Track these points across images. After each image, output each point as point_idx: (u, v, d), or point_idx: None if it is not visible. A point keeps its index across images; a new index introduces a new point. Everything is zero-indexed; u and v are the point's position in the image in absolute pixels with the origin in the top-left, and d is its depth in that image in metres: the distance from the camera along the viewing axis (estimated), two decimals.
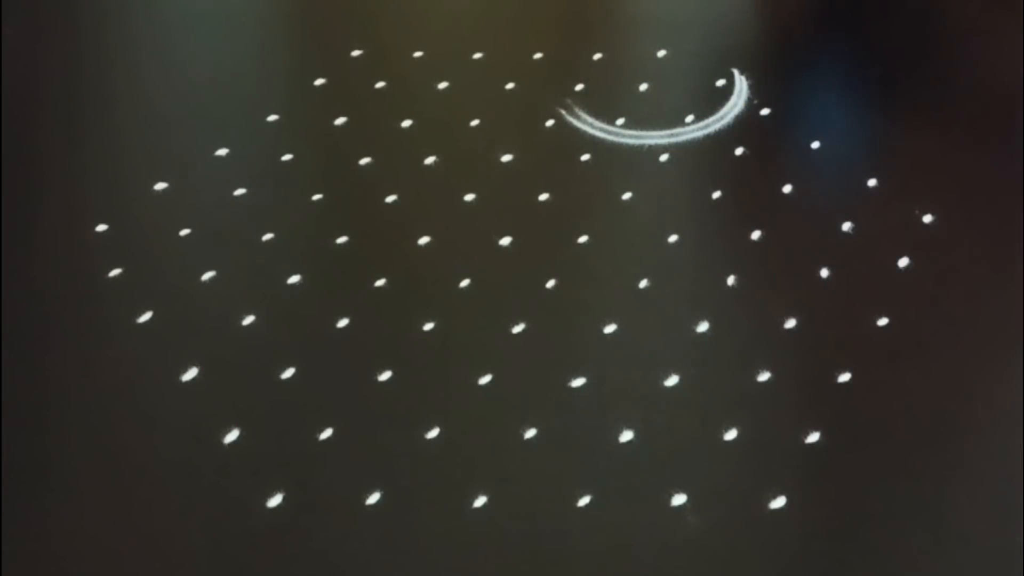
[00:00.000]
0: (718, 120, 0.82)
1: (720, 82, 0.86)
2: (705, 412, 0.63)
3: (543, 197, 0.76)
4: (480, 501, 0.58)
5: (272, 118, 0.83)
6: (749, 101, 0.84)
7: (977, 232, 0.74)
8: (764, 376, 0.65)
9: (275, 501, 0.58)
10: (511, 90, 0.84)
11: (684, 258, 0.73)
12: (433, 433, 0.61)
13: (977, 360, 0.66)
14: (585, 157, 0.80)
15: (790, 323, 0.68)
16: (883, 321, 0.68)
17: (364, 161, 0.79)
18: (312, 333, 0.67)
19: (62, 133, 0.82)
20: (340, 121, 0.83)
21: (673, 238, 0.73)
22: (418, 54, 0.89)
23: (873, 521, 0.58)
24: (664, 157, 0.80)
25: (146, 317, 0.68)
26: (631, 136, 0.81)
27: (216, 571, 0.56)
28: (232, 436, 0.61)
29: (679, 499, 0.59)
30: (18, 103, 0.83)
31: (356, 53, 0.89)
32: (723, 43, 0.91)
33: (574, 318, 0.68)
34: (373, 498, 0.59)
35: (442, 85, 0.86)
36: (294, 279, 0.70)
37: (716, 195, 0.77)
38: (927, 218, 0.75)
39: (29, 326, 0.67)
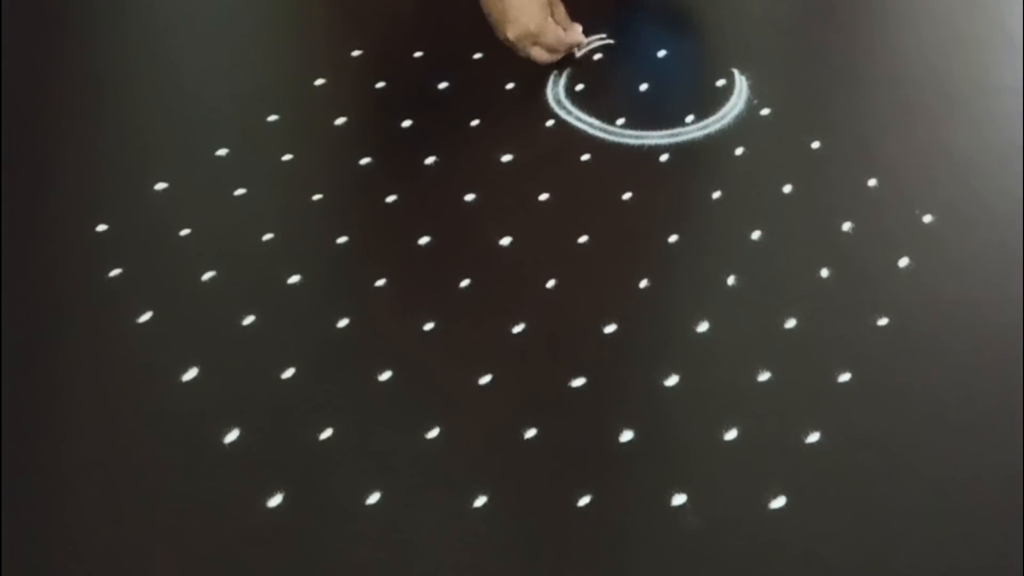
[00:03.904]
0: (718, 120, 0.82)
1: (720, 82, 0.86)
2: (705, 412, 0.63)
3: (543, 197, 0.76)
4: (480, 501, 0.58)
5: (272, 118, 0.83)
6: (749, 101, 0.84)
7: (977, 232, 0.74)
8: (764, 376, 0.65)
9: (275, 501, 0.58)
10: (511, 90, 0.84)
11: (684, 258, 0.73)
12: (433, 433, 0.61)
13: (977, 360, 0.66)
14: (585, 157, 0.80)
15: (790, 323, 0.68)
16: (883, 321, 0.68)
17: (364, 161, 0.79)
18: (312, 333, 0.67)
19: (62, 133, 0.82)
20: (340, 121, 0.83)
21: (673, 238, 0.73)
22: (418, 54, 0.89)
23: (873, 521, 0.58)
24: (664, 157, 0.80)
25: (146, 317, 0.68)
26: (631, 136, 0.81)
27: (216, 571, 0.56)
28: (232, 436, 0.61)
29: (679, 499, 0.59)
30: (18, 103, 0.83)
31: (356, 53, 0.89)
32: (723, 43, 0.91)
33: (575, 318, 0.68)
34: (373, 498, 0.59)
35: (442, 85, 0.86)
36: (294, 279, 0.70)
37: (716, 195, 0.77)
38: (927, 218, 0.75)
39: (29, 326, 0.67)
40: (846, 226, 0.74)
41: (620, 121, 0.82)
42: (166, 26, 0.93)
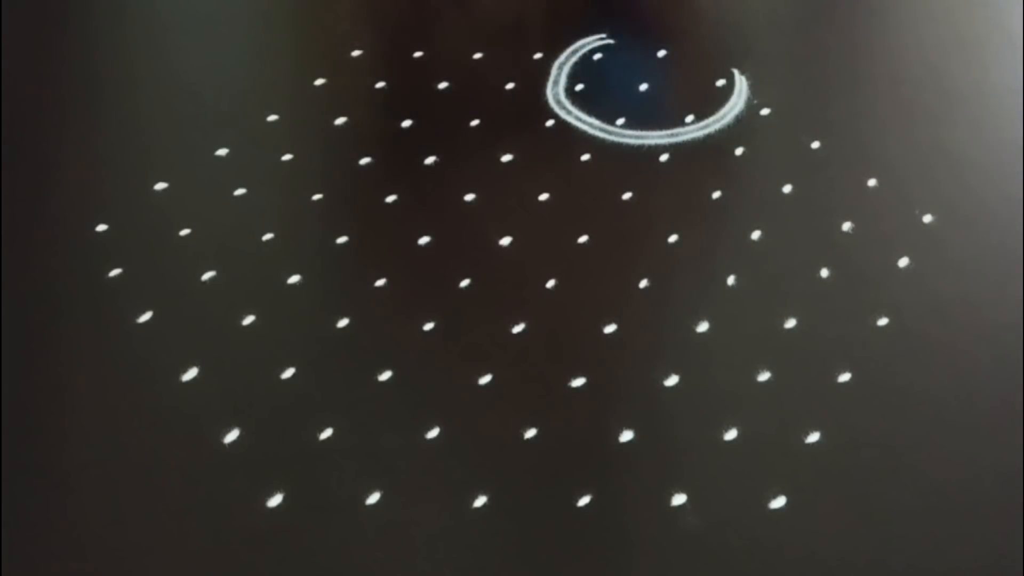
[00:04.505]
0: (718, 120, 0.82)
1: (720, 82, 0.86)
2: (705, 412, 0.63)
3: (543, 197, 0.76)
4: (480, 501, 0.58)
5: (272, 118, 0.83)
6: (749, 101, 0.84)
7: (977, 232, 0.74)
8: (764, 376, 0.65)
9: (275, 501, 0.58)
10: (511, 90, 0.84)
11: (684, 258, 0.73)
12: (433, 433, 0.61)
13: (977, 360, 0.66)
14: (585, 157, 0.80)
15: (790, 323, 0.68)
16: (883, 321, 0.68)
17: (364, 161, 0.79)
18: (312, 333, 0.67)
19: (61, 133, 0.82)
20: (340, 121, 0.83)
21: (673, 238, 0.73)
22: (418, 54, 0.89)
23: (873, 521, 0.58)
24: (664, 157, 0.80)
25: (146, 317, 0.68)
26: (631, 136, 0.81)
27: (216, 571, 0.56)
28: (232, 436, 0.61)
29: (679, 499, 0.59)
30: (17, 103, 0.83)
31: (356, 53, 0.89)
32: (723, 43, 0.91)
33: (574, 318, 0.68)
34: (373, 498, 0.59)
35: (442, 85, 0.86)
36: (294, 279, 0.70)
37: (716, 195, 0.77)
38: (927, 218, 0.75)
39: (28, 326, 0.67)
40: (846, 226, 0.74)
41: (620, 121, 0.82)
42: (166, 26, 0.93)
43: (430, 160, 0.79)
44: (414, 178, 0.78)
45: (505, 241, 0.73)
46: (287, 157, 0.79)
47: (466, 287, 0.70)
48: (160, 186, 0.76)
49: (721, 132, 0.82)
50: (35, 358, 0.66)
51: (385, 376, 0.64)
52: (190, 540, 0.57)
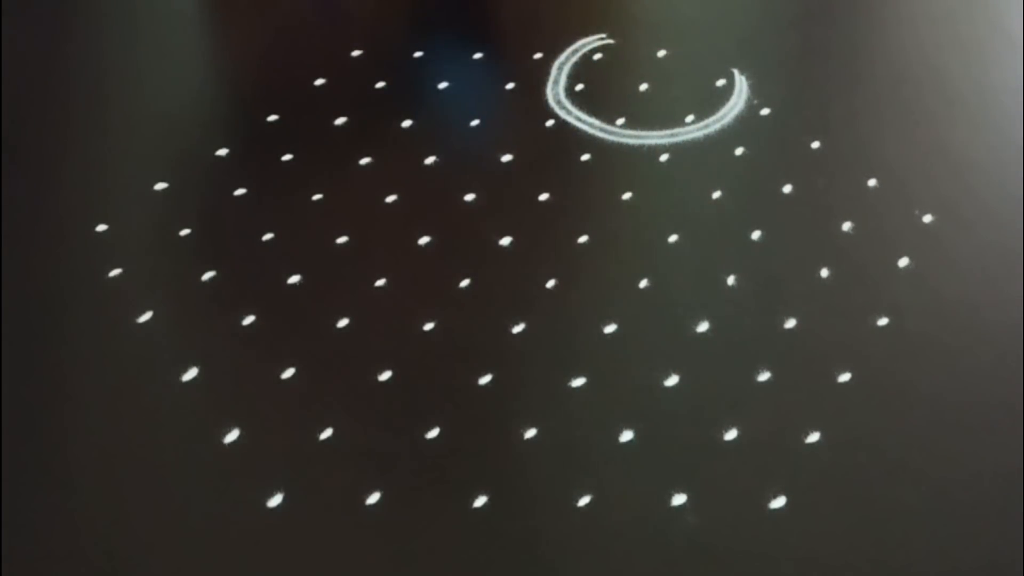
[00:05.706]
0: (718, 120, 0.82)
1: (720, 82, 0.86)
2: (705, 412, 0.63)
3: (543, 197, 0.76)
4: (480, 501, 0.58)
5: (272, 118, 0.83)
6: (749, 101, 0.84)
7: (977, 232, 0.74)
8: (764, 376, 0.65)
9: (275, 501, 0.58)
10: (511, 90, 0.84)
11: (684, 258, 0.73)
12: (433, 433, 0.61)
13: (977, 360, 0.66)
14: (585, 157, 0.80)
15: (790, 323, 0.68)
16: (883, 321, 0.68)
17: (364, 161, 0.79)
18: (312, 333, 0.67)
19: (61, 133, 0.82)
20: (340, 121, 0.83)
21: (673, 238, 0.73)
22: (418, 54, 0.89)
23: (873, 521, 0.58)
24: (664, 157, 0.80)
25: (146, 317, 0.68)
26: (631, 136, 0.81)
27: (216, 571, 0.56)
28: (232, 436, 0.61)
29: (679, 499, 0.59)
30: (17, 103, 0.83)
31: (356, 53, 0.89)
32: (723, 43, 0.91)
33: (574, 318, 0.68)
34: (373, 498, 0.59)
35: (441, 85, 0.86)
36: (294, 279, 0.70)
37: (716, 195, 0.77)
38: (927, 218, 0.75)
39: (28, 326, 0.67)
40: (846, 226, 0.74)
41: (620, 121, 0.82)
42: (165, 25, 0.93)
43: (430, 160, 0.79)
44: (414, 178, 0.78)
45: (505, 241, 0.73)
46: (287, 157, 0.79)
47: (466, 287, 0.70)
48: (160, 186, 0.76)
49: (721, 132, 0.82)
50: (35, 358, 0.66)
51: (385, 376, 0.64)
52: (190, 540, 0.57)
